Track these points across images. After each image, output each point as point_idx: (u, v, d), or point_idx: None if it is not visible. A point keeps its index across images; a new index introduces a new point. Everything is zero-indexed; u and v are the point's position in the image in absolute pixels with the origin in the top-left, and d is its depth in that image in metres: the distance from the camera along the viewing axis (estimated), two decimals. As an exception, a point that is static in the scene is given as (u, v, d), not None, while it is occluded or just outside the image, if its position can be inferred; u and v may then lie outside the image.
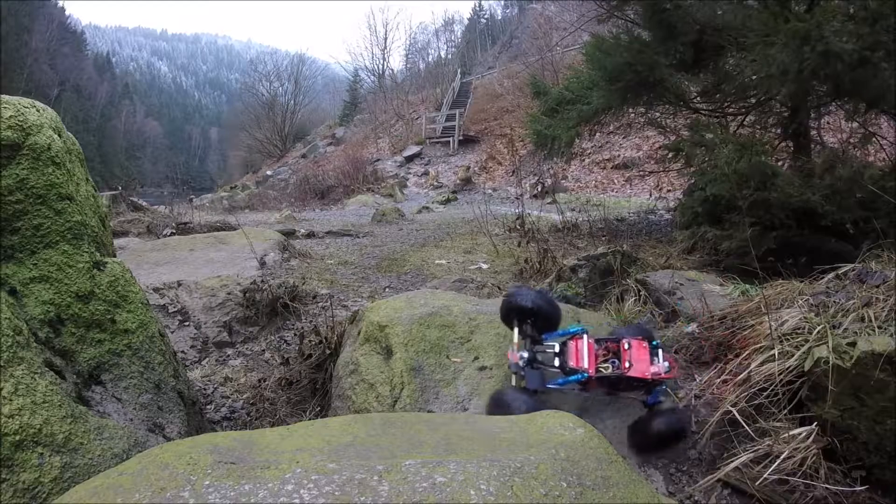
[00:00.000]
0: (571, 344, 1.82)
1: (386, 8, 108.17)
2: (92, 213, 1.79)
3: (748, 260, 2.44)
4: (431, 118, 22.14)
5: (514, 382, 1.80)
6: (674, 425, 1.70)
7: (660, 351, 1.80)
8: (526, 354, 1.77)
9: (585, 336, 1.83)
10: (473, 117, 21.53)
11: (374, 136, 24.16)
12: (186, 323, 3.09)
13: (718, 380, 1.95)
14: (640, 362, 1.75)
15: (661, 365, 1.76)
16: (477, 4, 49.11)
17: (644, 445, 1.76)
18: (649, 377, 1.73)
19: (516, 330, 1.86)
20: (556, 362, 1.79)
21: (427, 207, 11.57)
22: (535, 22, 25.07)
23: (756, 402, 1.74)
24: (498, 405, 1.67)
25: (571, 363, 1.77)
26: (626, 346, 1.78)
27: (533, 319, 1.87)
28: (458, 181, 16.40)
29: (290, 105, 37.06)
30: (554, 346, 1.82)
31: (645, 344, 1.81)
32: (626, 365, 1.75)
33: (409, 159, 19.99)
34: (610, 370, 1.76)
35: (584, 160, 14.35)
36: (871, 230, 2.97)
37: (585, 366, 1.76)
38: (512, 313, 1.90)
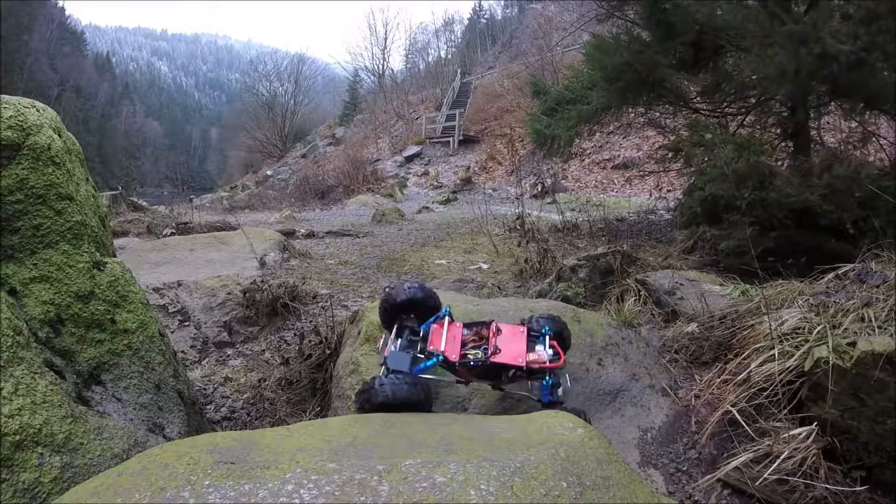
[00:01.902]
0: (433, 327, 1.70)
1: (386, 8, 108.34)
2: (92, 213, 1.79)
3: (748, 260, 2.45)
4: (431, 118, 22.13)
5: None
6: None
7: (546, 338, 1.68)
8: (397, 344, 1.68)
9: (447, 318, 1.71)
10: (473, 117, 21.53)
11: (374, 136, 24.16)
12: (186, 323, 3.09)
13: (718, 380, 1.95)
14: (512, 349, 1.62)
15: (543, 353, 1.64)
16: (477, 4, 49.21)
17: None
18: (522, 364, 1.60)
19: (393, 330, 1.76)
20: (419, 347, 1.68)
21: (427, 207, 11.57)
22: (535, 22, 25.08)
23: (756, 402, 1.74)
24: (360, 392, 1.56)
25: (430, 347, 1.64)
26: (495, 330, 1.66)
27: (411, 313, 1.77)
28: (458, 181, 16.41)
29: (290, 105, 37.08)
30: (419, 331, 1.73)
31: (522, 329, 1.69)
32: (491, 350, 1.61)
33: (409, 159, 19.98)
34: (479, 356, 1.61)
35: (584, 160, 14.35)
36: (869, 230, 2.98)
37: (442, 349, 1.62)
38: (386, 313, 1.81)
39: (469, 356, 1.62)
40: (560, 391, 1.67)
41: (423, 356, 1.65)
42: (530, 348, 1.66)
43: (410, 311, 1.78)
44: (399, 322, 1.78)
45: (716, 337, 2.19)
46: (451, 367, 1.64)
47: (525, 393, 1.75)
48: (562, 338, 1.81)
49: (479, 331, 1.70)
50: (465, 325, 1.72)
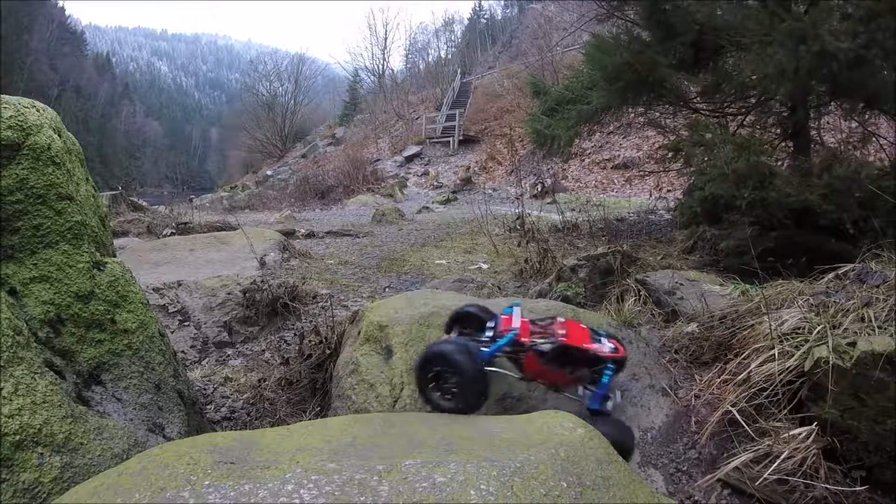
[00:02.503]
0: (503, 318, 1.79)
1: (386, 8, 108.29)
2: (92, 213, 1.79)
3: (748, 259, 2.45)
4: (431, 118, 22.13)
5: None
6: (609, 434, 1.55)
7: (602, 336, 1.75)
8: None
9: (518, 308, 1.80)
10: (473, 117, 21.52)
11: (374, 136, 24.15)
12: (186, 323, 3.09)
13: (718, 380, 1.95)
14: (579, 337, 1.69)
15: (605, 346, 1.70)
16: (477, 4, 49.21)
17: None
18: (591, 349, 1.67)
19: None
20: (489, 333, 1.74)
21: (427, 207, 11.57)
22: (535, 22, 25.08)
23: (756, 402, 1.74)
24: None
25: (502, 328, 1.72)
26: (562, 320, 1.75)
27: (465, 325, 1.87)
28: (458, 181, 16.40)
29: (290, 105, 37.07)
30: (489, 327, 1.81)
31: (584, 326, 1.77)
32: (562, 332, 1.68)
33: (409, 159, 19.98)
34: (550, 339, 1.67)
35: (583, 160, 14.35)
36: (869, 230, 2.97)
37: (515, 326, 1.69)
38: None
39: (537, 342, 1.66)
40: (609, 404, 1.70)
41: (490, 340, 1.70)
42: (594, 341, 1.72)
43: (464, 324, 1.86)
44: (456, 330, 1.86)
45: (716, 337, 2.19)
46: (517, 357, 1.68)
47: (576, 398, 1.76)
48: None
49: (546, 327, 1.75)
50: (532, 322, 1.77)
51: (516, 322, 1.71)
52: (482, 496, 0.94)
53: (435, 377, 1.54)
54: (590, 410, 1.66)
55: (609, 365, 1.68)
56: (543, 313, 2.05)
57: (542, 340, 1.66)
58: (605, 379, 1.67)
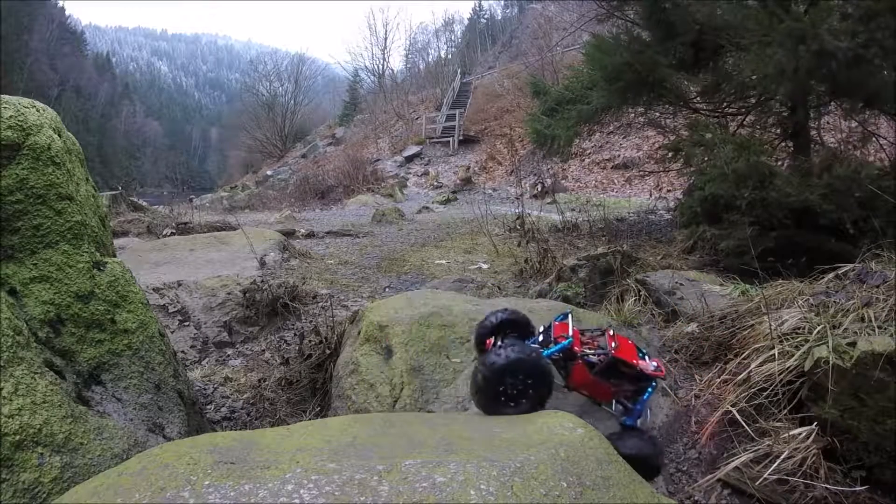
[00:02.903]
0: (556, 325, 1.77)
1: (386, 8, 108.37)
2: (92, 213, 1.79)
3: (747, 259, 2.45)
4: (431, 118, 22.13)
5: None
6: (642, 450, 1.55)
7: (646, 355, 1.74)
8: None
9: (570, 316, 1.78)
10: (473, 117, 21.52)
11: (374, 136, 24.16)
12: (186, 323, 3.09)
13: (718, 380, 1.95)
14: (629, 353, 1.69)
15: (649, 363, 1.69)
16: (477, 4, 49.21)
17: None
18: (639, 365, 1.66)
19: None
20: (541, 338, 1.71)
21: (427, 207, 11.57)
22: (535, 22, 25.09)
23: (756, 402, 1.74)
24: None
25: (555, 335, 1.70)
26: (612, 333, 1.73)
27: (508, 332, 1.83)
28: (458, 181, 16.41)
29: (290, 105, 37.08)
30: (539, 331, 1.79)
31: (631, 342, 1.76)
32: (613, 345, 1.67)
33: (409, 159, 19.98)
34: (601, 351, 1.67)
35: (583, 160, 14.36)
36: (869, 230, 2.98)
37: (570, 334, 1.67)
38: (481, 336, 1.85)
39: (587, 353, 1.65)
40: (639, 421, 1.70)
41: (541, 345, 1.67)
42: (640, 358, 1.72)
43: (508, 331, 1.82)
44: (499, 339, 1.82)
45: (716, 337, 2.19)
46: (565, 365, 1.66)
47: (612, 412, 1.75)
48: None
49: (595, 338, 1.75)
50: (581, 332, 1.76)
51: (570, 331, 1.69)
52: (482, 496, 0.94)
53: (506, 387, 1.47)
54: (624, 426, 1.66)
55: (652, 383, 1.69)
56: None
57: (591, 351, 1.66)
58: (644, 397, 1.68)
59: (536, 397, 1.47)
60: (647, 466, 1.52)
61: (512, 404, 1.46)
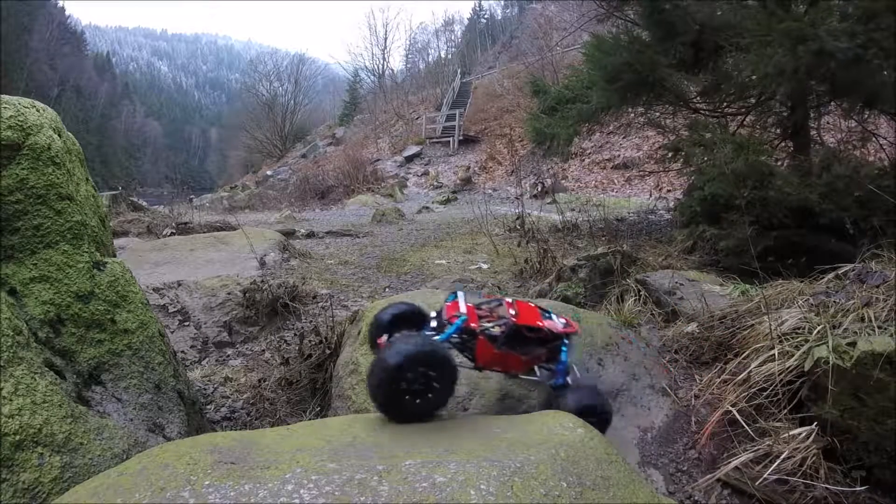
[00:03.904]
0: (447, 305, 1.65)
1: (386, 8, 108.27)
2: (92, 213, 1.79)
3: (747, 259, 2.45)
4: (431, 118, 22.12)
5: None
6: (582, 401, 1.53)
7: (552, 314, 1.69)
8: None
9: (461, 293, 1.68)
10: (473, 117, 21.52)
11: (374, 136, 24.15)
12: (186, 323, 3.09)
13: (718, 380, 1.95)
14: (530, 316, 1.62)
15: (556, 322, 1.64)
16: (477, 4, 49.19)
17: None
18: (544, 325, 1.60)
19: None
20: (434, 324, 1.60)
21: (427, 207, 11.57)
22: (535, 22, 25.08)
23: (756, 402, 1.74)
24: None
25: (447, 315, 1.58)
26: (510, 301, 1.66)
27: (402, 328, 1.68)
28: (458, 181, 16.41)
29: (290, 105, 37.07)
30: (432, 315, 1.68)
31: (533, 305, 1.71)
32: (512, 312, 1.59)
33: (409, 159, 19.97)
34: (501, 321, 1.57)
35: (584, 160, 14.35)
36: (869, 229, 2.98)
37: (463, 311, 1.57)
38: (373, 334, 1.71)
39: (486, 326, 1.56)
40: (570, 378, 1.68)
41: (435, 330, 1.58)
42: (545, 318, 1.67)
43: (401, 326, 1.69)
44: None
45: (716, 337, 2.19)
46: (467, 345, 1.57)
47: (536, 378, 1.72)
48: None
49: (493, 310, 1.66)
50: (477, 307, 1.67)
51: (462, 308, 1.59)
52: (482, 496, 0.94)
53: (407, 384, 1.35)
54: (555, 387, 1.63)
55: (564, 340, 1.65)
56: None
57: (491, 325, 1.57)
58: (563, 356, 1.64)
59: (442, 387, 1.38)
60: (595, 416, 1.50)
61: (418, 400, 1.36)
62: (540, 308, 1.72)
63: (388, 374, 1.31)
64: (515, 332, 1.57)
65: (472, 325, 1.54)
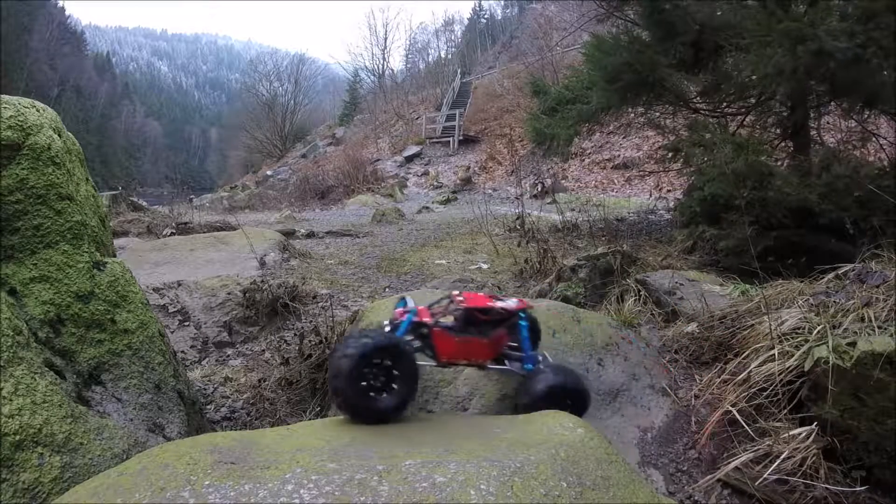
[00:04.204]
0: (396, 311, 1.66)
1: (386, 8, 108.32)
2: (92, 213, 1.79)
3: (747, 259, 2.45)
4: (431, 118, 22.13)
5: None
6: (551, 381, 1.54)
7: (503, 298, 1.73)
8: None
9: (409, 298, 1.70)
10: (473, 117, 21.52)
11: (374, 136, 24.15)
12: (186, 323, 3.09)
13: (718, 380, 1.95)
14: (479, 300, 1.65)
15: (509, 301, 1.67)
16: (477, 4, 49.19)
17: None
18: (495, 305, 1.63)
19: None
20: (388, 328, 1.60)
21: (427, 207, 11.57)
22: (535, 22, 25.08)
23: (756, 402, 1.74)
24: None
25: (395, 315, 1.62)
26: (457, 293, 1.70)
27: None
28: (458, 181, 16.41)
29: (290, 105, 37.08)
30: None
31: (482, 293, 1.75)
32: (461, 299, 1.62)
33: (409, 159, 19.98)
34: (451, 318, 1.60)
35: (583, 160, 14.36)
36: (869, 229, 2.98)
37: (412, 307, 1.60)
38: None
39: (441, 320, 1.59)
40: (542, 364, 1.68)
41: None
42: (496, 300, 1.70)
43: None
44: None
45: (716, 337, 2.19)
46: (426, 342, 1.57)
47: (507, 368, 1.72)
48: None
49: (444, 306, 1.67)
50: (429, 307, 1.68)
51: (410, 305, 1.62)
52: (482, 496, 0.94)
53: (369, 379, 1.36)
54: (527, 372, 1.64)
55: (520, 314, 1.66)
56: (545, 311, 2.03)
57: (444, 318, 1.60)
58: (523, 333, 1.66)
59: (404, 381, 1.38)
60: (566, 395, 1.52)
61: (383, 394, 1.36)
62: (492, 295, 1.75)
63: (351, 367, 1.31)
64: (469, 315, 1.60)
65: (424, 318, 1.56)
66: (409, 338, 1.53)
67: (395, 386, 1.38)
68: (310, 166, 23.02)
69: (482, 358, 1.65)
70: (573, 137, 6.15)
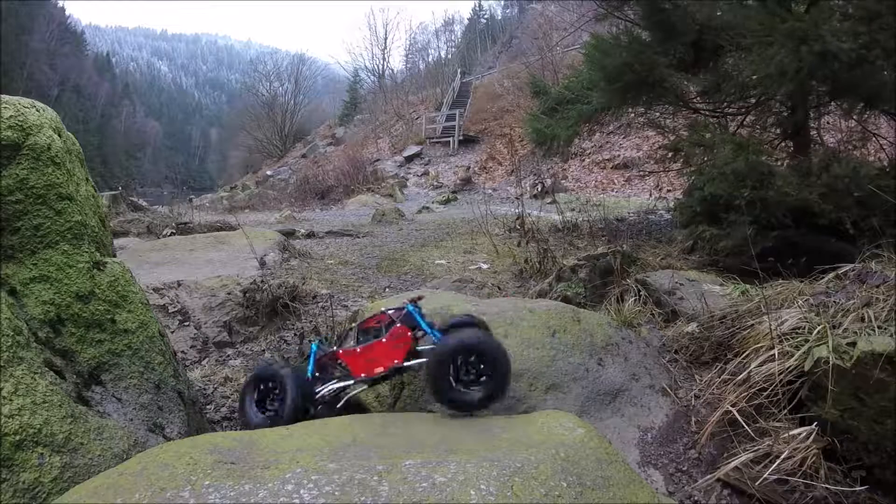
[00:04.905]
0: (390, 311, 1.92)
1: (386, 8, 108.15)
2: (92, 213, 1.79)
3: (747, 259, 2.45)
4: (431, 118, 22.11)
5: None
6: (455, 341, 1.56)
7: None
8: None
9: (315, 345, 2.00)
10: (473, 117, 21.51)
11: (374, 136, 24.15)
12: (186, 323, 3.09)
13: (718, 380, 1.95)
14: (370, 321, 1.91)
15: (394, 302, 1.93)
16: (477, 4, 49.04)
17: (439, 375, 1.54)
18: (380, 310, 1.88)
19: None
20: (310, 369, 1.90)
21: (427, 207, 11.57)
22: (535, 22, 25.08)
23: (756, 402, 1.74)
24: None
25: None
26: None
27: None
28: (458, 181, 16.40)
29: (290, 105, 37.05)
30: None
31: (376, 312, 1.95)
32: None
33: (409, 159, 19.97)
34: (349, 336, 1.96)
35: (584, 160, 14.35)
36: (869, 229, 2.98)
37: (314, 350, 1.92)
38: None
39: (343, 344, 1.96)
40: (456, 337, 1.65)
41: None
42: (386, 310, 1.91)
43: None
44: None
45: (716, 337, 2.19)
46: (339, 365, 1.88)
47: (423, 359, 1.71)
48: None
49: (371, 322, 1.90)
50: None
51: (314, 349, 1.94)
52: (482, 496, 0.94)
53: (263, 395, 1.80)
54: (437, 341, 1.65)
55: (408, 306, 1.80)
56: (544, 311, 2.08)
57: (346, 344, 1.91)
58: (416, 318, 1.76)
59: (290, 400, 1.68)
60: (476, 355, 1.54)
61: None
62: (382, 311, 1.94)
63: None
64: (361, 328, 1.88)
65: (326, 351, 1.91)
66: (317, 374, 1.86)
67: (280, 400, 1.73)
68: (310, 166, 23.02)
69: (393, 359, 1.73)
70: (573, 137, 6.15)
